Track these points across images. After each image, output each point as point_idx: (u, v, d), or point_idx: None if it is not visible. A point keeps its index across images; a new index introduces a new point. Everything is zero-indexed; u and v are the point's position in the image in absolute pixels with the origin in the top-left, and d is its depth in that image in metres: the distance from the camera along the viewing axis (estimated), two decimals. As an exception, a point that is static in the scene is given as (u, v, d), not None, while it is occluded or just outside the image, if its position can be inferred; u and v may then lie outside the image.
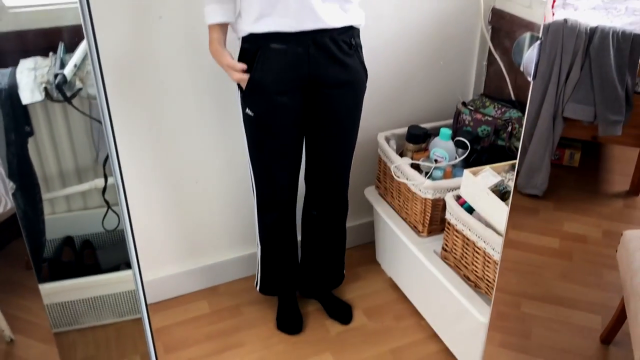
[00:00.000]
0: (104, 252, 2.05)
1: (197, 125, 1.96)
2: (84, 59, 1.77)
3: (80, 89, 1.67)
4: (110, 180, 1.93)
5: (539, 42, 1.20)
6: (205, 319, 2.08)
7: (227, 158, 2.04)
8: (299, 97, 1.65)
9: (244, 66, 1.59)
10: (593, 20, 2.59)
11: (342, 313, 2.06)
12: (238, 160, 2.01)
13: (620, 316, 1.85)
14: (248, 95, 1.63)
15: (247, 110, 1.66)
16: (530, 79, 1.23)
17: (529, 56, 1.24)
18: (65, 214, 2.06)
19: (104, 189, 1.92)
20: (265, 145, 1.72)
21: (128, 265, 2.00)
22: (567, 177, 2.74)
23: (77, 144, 1.96)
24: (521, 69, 1.29)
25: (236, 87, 1.67)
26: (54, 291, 1.88)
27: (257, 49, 1.58)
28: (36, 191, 1.85)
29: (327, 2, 1.53)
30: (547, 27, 2.27)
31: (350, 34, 1.61)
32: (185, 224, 2.12)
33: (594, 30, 2.31)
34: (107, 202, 1.94)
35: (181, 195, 2.06)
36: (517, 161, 1.81)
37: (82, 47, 1.78)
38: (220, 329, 2.03)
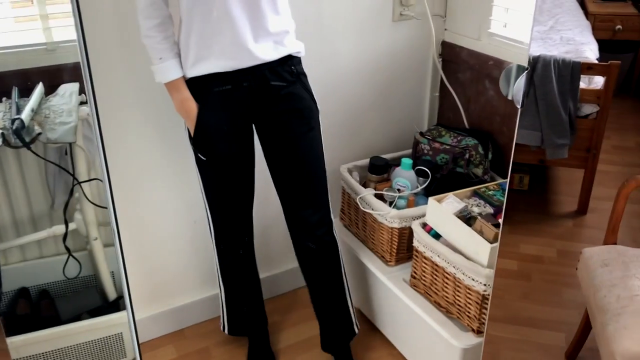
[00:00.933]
0: (63, 301, 1.97)
1: (155, 167, 1.94)
2: (40, 103, 1.73)
3: (39, 134, 1.63)
4: (71, 226, 1.87)
5: (525, 72, 1.26)
6: (173, 364, 2.02)
7: (185, 199, 2.02)
8: (248, 130, 1.67)
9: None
10: (532, 50, 2.74)
11: None
12: (196, 201, 2.00)
13: (583, 332, 1.92)
14: (197, 138, 1.63)
15: (198, 154, 1.66)
16: (519, 106, 1.29)
17: (517, 85, 1.30)
18: (19, 264, 1.97)
19: (65, 236, 1.85)
20: (219, 185, 1.72)
21: (91, 314, 1.93)
22: (519, 200, 2.85)
23: (31, 190, 1.90)
24: (509, 97, 1.35)
25: (186, 131, 1.67)
26: (11, 346, 1.78)
27: (199, 93, 1.59)
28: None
29: (260, 42, 1.54)
30: (536, 58, 2.37)
31: (289, 63, 1.62)
32: (148, 268, 2.07)
33: (536, 59, 2.45)
34: (67, 249, 1.88)
35: (142, 238, 2.01)
36: (483, 185, 1.86)
37: (38, 91, 1.74)
38: (189, 374, 1.98)
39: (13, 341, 1.77)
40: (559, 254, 2.48)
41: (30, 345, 1.80)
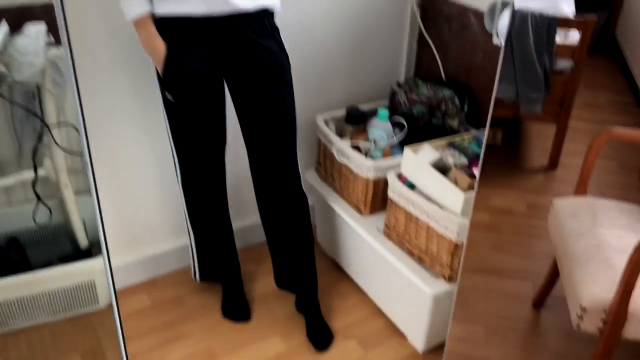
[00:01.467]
0: (33, 249, 1.94)
1: (126, 113, 1.90)
2: (5, 43, 1.66)
3: (5, 76, 1.57)
4: (40, 172, 1.82)
5: (511, 7, 1.25)
6: (146, 312, 2.02)
7: (157, 146, 1.99)
8: (218, 77, 1.64)
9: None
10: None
11: (320, 337, 1.92)
12: (165, 148, 1.97)
13: (550, 281, 1.97)
14: (165, 78, 1.59)
15: (167, 95, 1.63)
16: (502, 42, 1.28)
17: (502, 22, 1.29)
18: (-14, 211, 1.93)
19: (34, 181, 1.81)
20: (187, 128, 1.70)
21: (61, 260, 1.91)
22: (491, 155, 2.85)
23: (-3, 135, 1.84)
24: (494, 34, 1.34)
25: (154, 72, 1.63)
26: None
27: (169, 34, 1.55)
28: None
29: None
30: (513, 13, 2.35)
31: (263, 16, 1.59)
32: (119, 216, 2.04)
33: (514, 13, 2.43)
34: (37, 194, 1.84)
35: (113, 186, 1.98)
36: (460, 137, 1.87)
37: (2, 30, 1.67)
38: (163, 321, 1.98)
39: (-18, 287, 1.75)
40: (529, 207, 2.53)
41: (1, 291, 1.78)
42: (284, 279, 1.99)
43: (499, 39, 1.43)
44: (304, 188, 1.81)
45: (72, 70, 1.27)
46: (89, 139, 1.60)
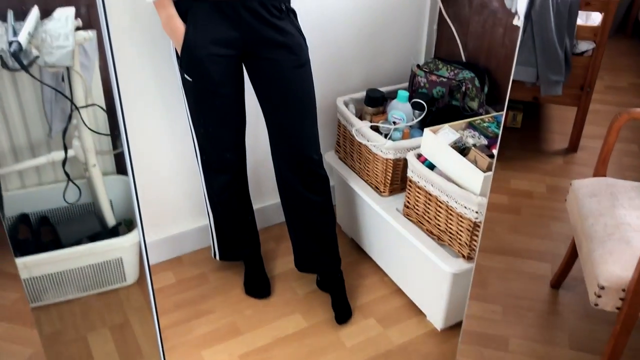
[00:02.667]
0: (63, 227, 2.01)
1: (149, 94, 1.94)
2: (36, 26, 1.71)
3: (37, 57, 1.62)
4: (69, 153, 1.88)
5: None
6: (171, 288, 2.08)
7: (176, 126, 2.03)
8: (236, 59, 1.67)
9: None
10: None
11: (341, 312, 1.96)
12: (186, 128, 2.01)
13: (568, 262, 1.99)
14: (184, 59, 1.63)
15: (185, 75, 1.66)
16: (522, 18, 1.29)
17: (522, 1, 1.30)
18: (18, 190, 2.00)
19: (64, 161, 1.87)
20: (206, 108, 1.73)
21: (90, 239, 1.97)
22: (511, 138, 2.87)
23: (28, 117, 1.90)
24: (513, 10, 1.35)
25: (173, 53, 1.66)
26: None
27: (186, 11, 1.58)
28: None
29: None
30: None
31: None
32: (143, 197, 2.10)
33: (534, -5, 2.43)
34: (67, 174, 1.90)
35: (137, 168, 2.03)
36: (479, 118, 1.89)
37: (34, 14, 1.72)
38: (188, 298, 2.04)
39: (18, 262, 1.82)
40: (549, 189, 2.54)
41: (34, 267, 1.85)
42: (305, 261, 2.01)
43: (519, 19, 1.44)
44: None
45: (110, 52, 1.31)
46: (118, 119, 1.65)
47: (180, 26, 1.57)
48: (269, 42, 1.62)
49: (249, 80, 1.75)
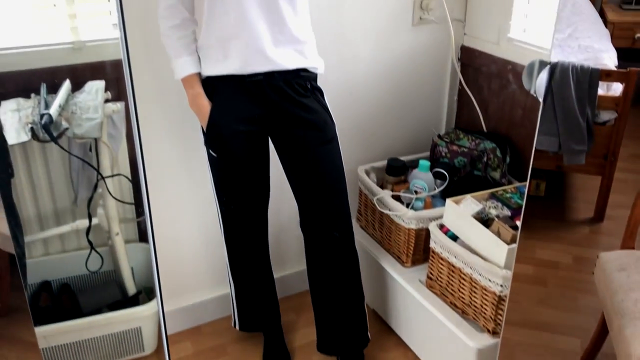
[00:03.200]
0: (84, 295, 2.01)
1: (173, 165, 1.98)
2: (67, 99, 1.77)
3: (66, 129, 1.67)
4: (94, 220, 1.90)
5: (549, 66, 1.28)
6: (189, 359, 2.04)
7: (202, 197, 2.05)
8: (261, 136, 1.68)
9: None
10: (551, 57, 2.75)
11: None
12: (209, 199, 2.03)
13: (599, 338, 1.91)
14: (209, 135, 1.65)
15: (210, 151, 1.69)
16: (541, 100, 1.30)
17: (540, 80, 1.31)
18: (42, 257, 2.02)
19: (88, 230, 1.89)
20: (230, 183, 1.74)
21: (110, 308, 1.96)
22: (535, 206, 2.84)
23: (55, 185, 1.94)
24: (532, 92, 1.36)
25: (200, 128, 1.70)
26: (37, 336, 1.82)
27: (214, 92, 1.62)
28: (20, 236, 1.80)
29: (279, 47, 1.57)
30: (554, 65, 2.38)
31: (305, 77, 1.63)
32: (165, 265, 2.10)
33: (554, 66, 2.45)
34: (90, 243, 1.91)
35: (160, 236, 2.04)
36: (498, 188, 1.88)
37: (65, 87, 1.79)
38: (206, 370, 2.00)
39: (37, 331, 1.81)
40: (575, 260, 2.48)
41: (53, 337, 1.84)
42: (329, 342, 1.92)
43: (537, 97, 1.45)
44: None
45: (136, 125, 1.35)
46: (142, 189, 1.67)
47: (206, 104, 1.61)
48: (295, 119, 1.63)
49: (273, 149, 1.77)
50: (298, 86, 1.61)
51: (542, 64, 1.33)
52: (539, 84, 1.35)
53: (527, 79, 1.41)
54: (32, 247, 1.97)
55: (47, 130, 1.61)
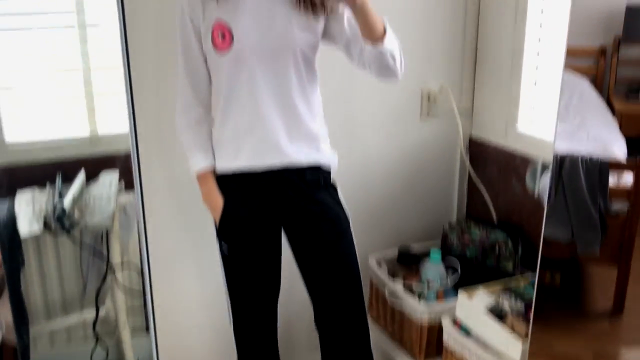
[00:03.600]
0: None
1: (183, 256, 1.98)
2: (81, 190, 1.81)
3: (79, 220, 1.69)
4: (101, 311, 1.89)
5: (550, 170, 1.29)
6: None
7: (209, 289, 2.03)
8: (274, 230, 1.67)
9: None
10: (559, 147, 2.78)
11: None
12: (219, 292, 2.00)
13: None
14: (221, 230, 1.65)
15: (222, 246, 1.68)
16: (544, 204, 1.30)
17: (543, 183, 1.32)
18: (48, 351, 1.98)
19: (95, 322, 1.87)
20: (242, 279, 1.70)
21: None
22: (550, 297, 2.77)
23: (65, 274, 1.94)
24: (535, 195, 1.37)
25: (212, 222, 1.70)
26: None
27: (228, 188, 1.62)
28: (24, 327, 1.79)
29: (294, 142, 1.57)
30: (564, 157, 2.40)
31: (318, 173, 1.63)
32: (170, 356, 2.05)
33: (563, 157, 2.48)
34: (97, 336, 1.88)
35: (168, 327, 2.01)
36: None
37: (80, 179, 1.83)
38: None
39: None
40: (595, 356, 2.39)
41: None
42: None
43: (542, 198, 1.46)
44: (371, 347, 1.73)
45: (142, 218, 1.37)
46: (144, 280, 1.66)
47: (219, 200, 1.61)
48: (309, 214, 1.62)
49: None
50: (312, 182, 1.61)
51: (545, 168, 1.34)
52: (543, 187, 1.35)
53: (531, 181, 1.42)
54: (37, 339, 1.94)
55: (60, 222, 1.64)
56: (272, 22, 1.50)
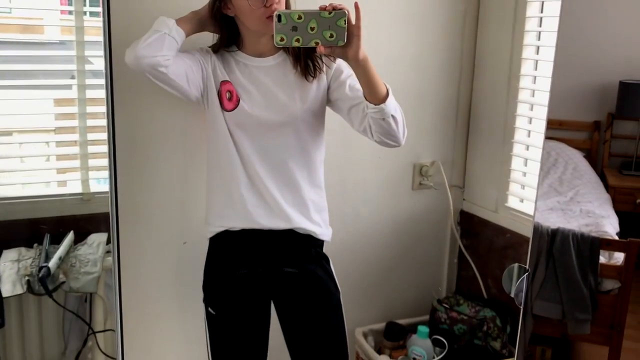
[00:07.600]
0: None
1: (166, 322, 1.95)
2: (68, 251, 1.80)
3: (63, 282, 1.67)
4: (79, 377, 1.84)
5: (526, 274, 1.29)
6: None
7: (192, 353, 1.99)
8: (263, 298, 1.66)
9: None
10: (551, 220, 2.79)
11: None
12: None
13: None
14: (208, 294, 1.63)
15: (209, 308, 1.66)
16: (521, 307, 1.30)
17: (519, 286, 1.32)
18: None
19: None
20: (227, 343, 1.68)
21: None
22: (542, 375, 2.72)
23: (46, 335, 1.90)
24: (512, 295, 1.36)
25: (199, 287, 1.68)
26: None
27: (215, 246, 1.62)
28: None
29: (289, 206, 1.58)
30: (555, 231, 2.39)
31: (310, 243, 1.62)
32: None
33: (555, 232, 2.47)
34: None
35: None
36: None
37: (68, 239, 1.82)
38: None
39: None
40: None
41: None
42: None
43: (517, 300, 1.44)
44: None
45: (117, 280, 1.35)
46: (126, 341, 1.63)
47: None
48: (298, 285, 1.61)
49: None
50: (303, 251, 1.61)
51: (521, 270, 1.34)
52: (518, 290, 1.35)
53: (507, 283, 1.41)
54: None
55: (43, 284, 1.62)
56: (276, 95, 1.54)
